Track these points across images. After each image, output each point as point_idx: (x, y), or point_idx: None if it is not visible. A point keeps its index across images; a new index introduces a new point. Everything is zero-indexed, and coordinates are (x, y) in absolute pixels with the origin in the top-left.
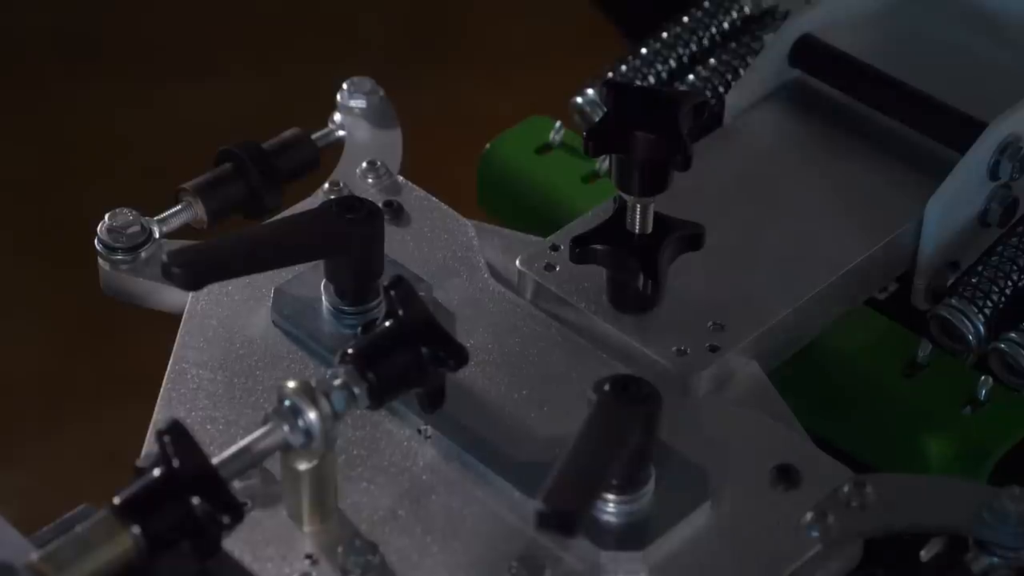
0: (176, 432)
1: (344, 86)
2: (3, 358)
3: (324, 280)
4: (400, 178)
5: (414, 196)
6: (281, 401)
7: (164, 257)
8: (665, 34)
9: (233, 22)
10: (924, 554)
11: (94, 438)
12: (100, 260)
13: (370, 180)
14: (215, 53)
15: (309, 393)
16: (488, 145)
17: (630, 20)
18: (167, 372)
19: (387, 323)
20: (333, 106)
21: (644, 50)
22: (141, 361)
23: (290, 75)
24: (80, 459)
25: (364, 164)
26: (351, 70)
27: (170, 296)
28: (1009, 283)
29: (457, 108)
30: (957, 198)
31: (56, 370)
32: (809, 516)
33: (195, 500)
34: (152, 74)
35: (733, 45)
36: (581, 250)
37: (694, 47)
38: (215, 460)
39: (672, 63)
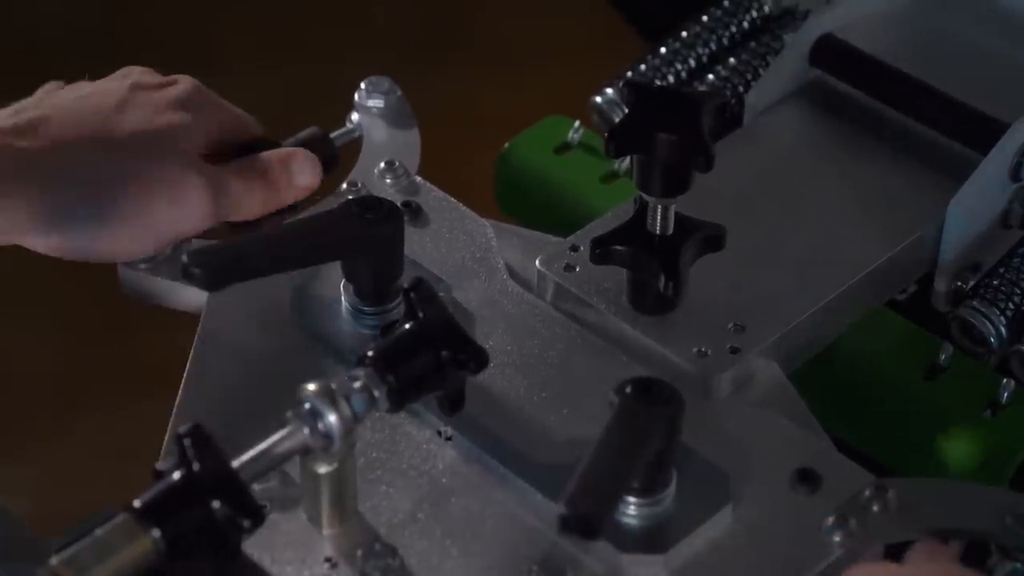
0: (196, 435)
1: (362, 85)
2: (16, 355)
3: (343, 280)
4: (418, 178)
5: (432, 197)
6: (301, 403)
7: (184, 257)
8: (684, 33)
9: (244, 19)
10: None
11: (106, 435)
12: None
13: (388, 180)
14: (226, 49)
15: (329, 395)
16: (506, 145)
17: (645, 19)
18: (186, 373)
19: (407, 325)
20: (346, 104)
21: (663, 49)
22: (154, 358)
23: (302, 73)
24: (92, 456)
25: (382, 164)
26: (363, 68)
27: (188, 295)
28: None
29: (470, 107)
30: (978, 199)
31: (69, 367)
32: (830, 520)
33: (215, 503)
34: (162, 70)
35: (753, 45)
36: (601, 251)
37: (713, 46)
38: (235, 463)
39: (691, 62)
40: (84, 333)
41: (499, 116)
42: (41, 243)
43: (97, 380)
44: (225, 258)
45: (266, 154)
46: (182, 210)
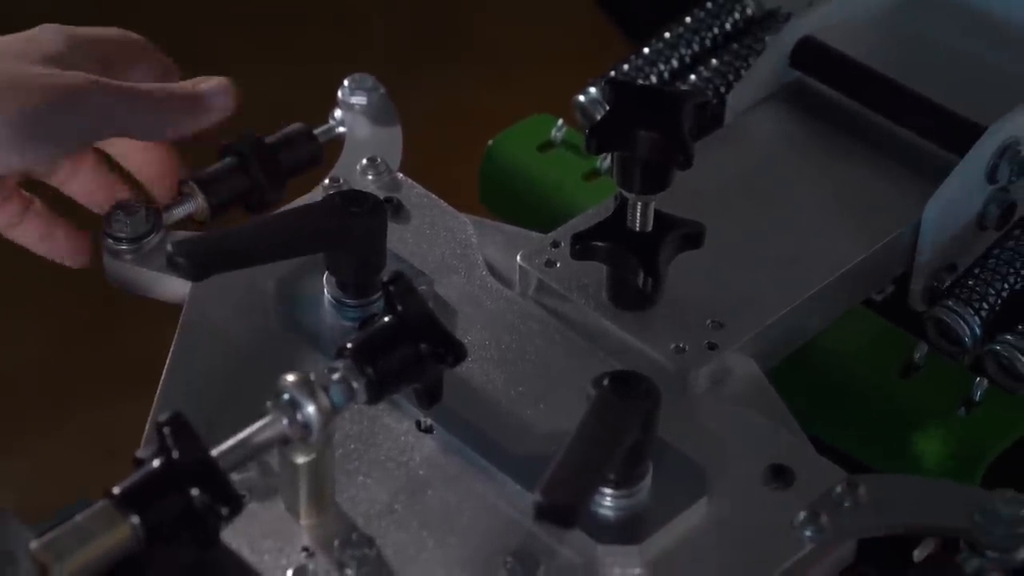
0: (176, 423)
1: (345, 82)
2: (4, 351)
3: (326, 272)
4: (400, 175)
5: (413, 193)
6: (280, 394)
7: (169, 247)
8: (668, 34)
9: (237, 18)
10: (917, 554)
11: (94, 431)
12: (104, 250)
13: (370, 176)
14: (219, 49)
15: (308, 387)
16: (490, 142)
17: (632, 21)
18: (167, 362)
19: (386, 318)
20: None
21: (647, 49)
22: (141, 354)
23: (294, 71)
24: (80, 452)
25: (364, 160)
26: (355, 67)
27: (172, 286)
28: (1005, 285)
29: (459, 106)
30: (955, 201)
31: (56, 363)
32: (802, 516)
33: (194, 491)
34: None
35: (735, 46)
36: (582, 247)
37: (696, 47)
38: (214, 452)
39: (674, 63)
40: (71, 329)
41: (488, 115)
42: None
43: (84, 376)
44: (210, 248)
45: None
46: None
